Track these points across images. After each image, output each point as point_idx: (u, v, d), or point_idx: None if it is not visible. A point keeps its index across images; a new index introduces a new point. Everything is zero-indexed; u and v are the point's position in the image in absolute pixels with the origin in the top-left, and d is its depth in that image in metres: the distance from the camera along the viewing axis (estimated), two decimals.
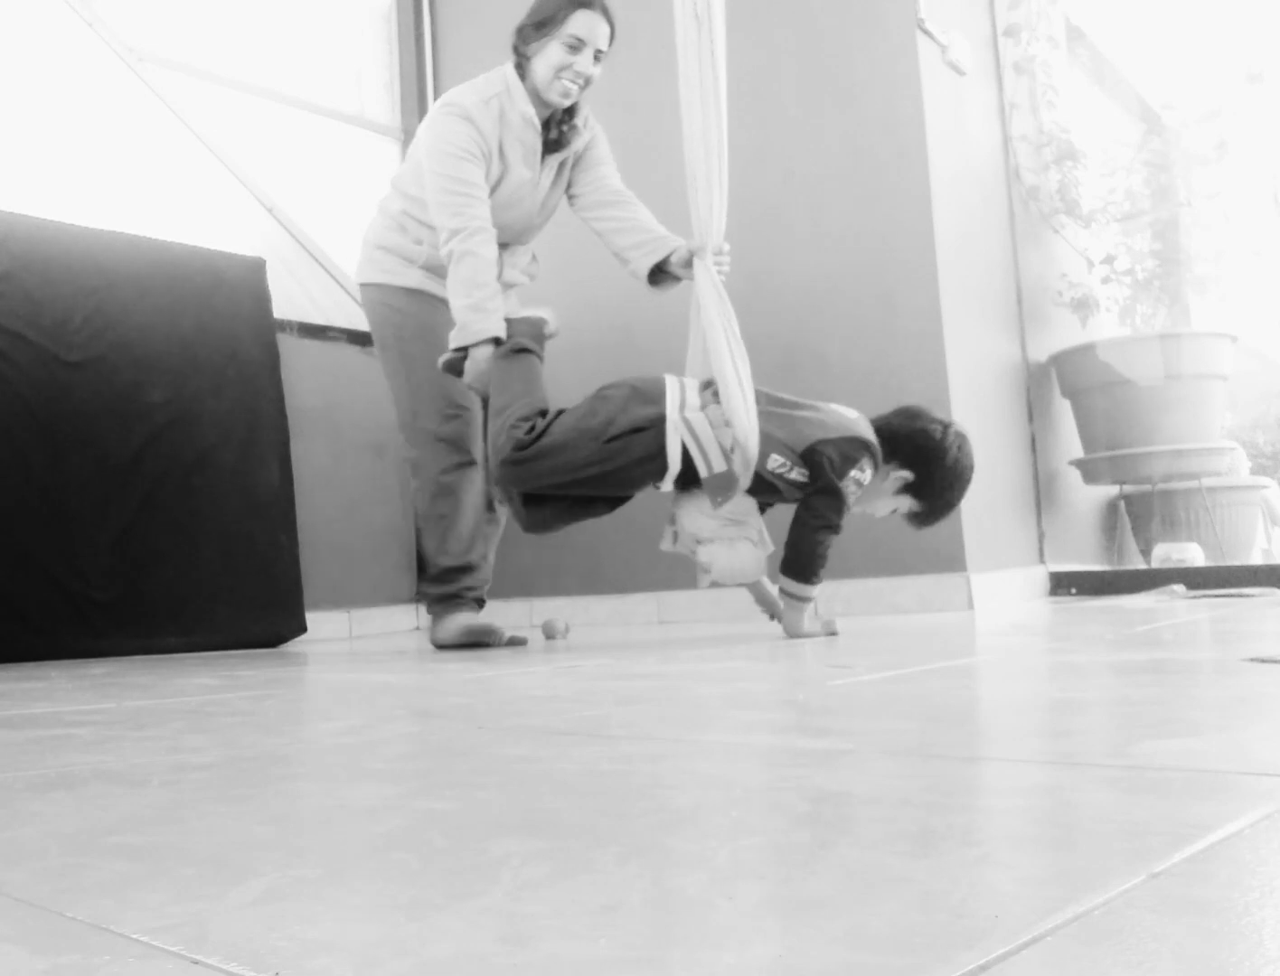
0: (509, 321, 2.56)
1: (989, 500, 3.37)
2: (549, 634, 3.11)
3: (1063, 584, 3.61)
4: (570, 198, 2.84)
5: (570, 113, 2.71)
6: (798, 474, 2.37)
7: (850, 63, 3.44)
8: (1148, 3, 5.55)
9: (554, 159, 2.73)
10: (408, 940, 0.50)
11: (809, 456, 2.36)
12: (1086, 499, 4.19)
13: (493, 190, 2.66)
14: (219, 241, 3.83)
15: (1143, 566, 3.95)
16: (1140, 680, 1.37)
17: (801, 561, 2.40)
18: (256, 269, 3.85)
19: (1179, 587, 3.25)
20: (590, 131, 2.80)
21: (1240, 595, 3.06)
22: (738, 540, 2.40)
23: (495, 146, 2.65)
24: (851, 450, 2.37)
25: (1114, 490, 4.26)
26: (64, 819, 0.83)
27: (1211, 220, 4.18)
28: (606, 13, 2.61)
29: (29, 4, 3.62)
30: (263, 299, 3.83)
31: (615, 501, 2.57)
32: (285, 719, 1.51)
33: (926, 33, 3.36)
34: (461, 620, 2.73)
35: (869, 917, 0.49)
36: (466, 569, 2.79)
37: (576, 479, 2.42)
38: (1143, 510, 4.16)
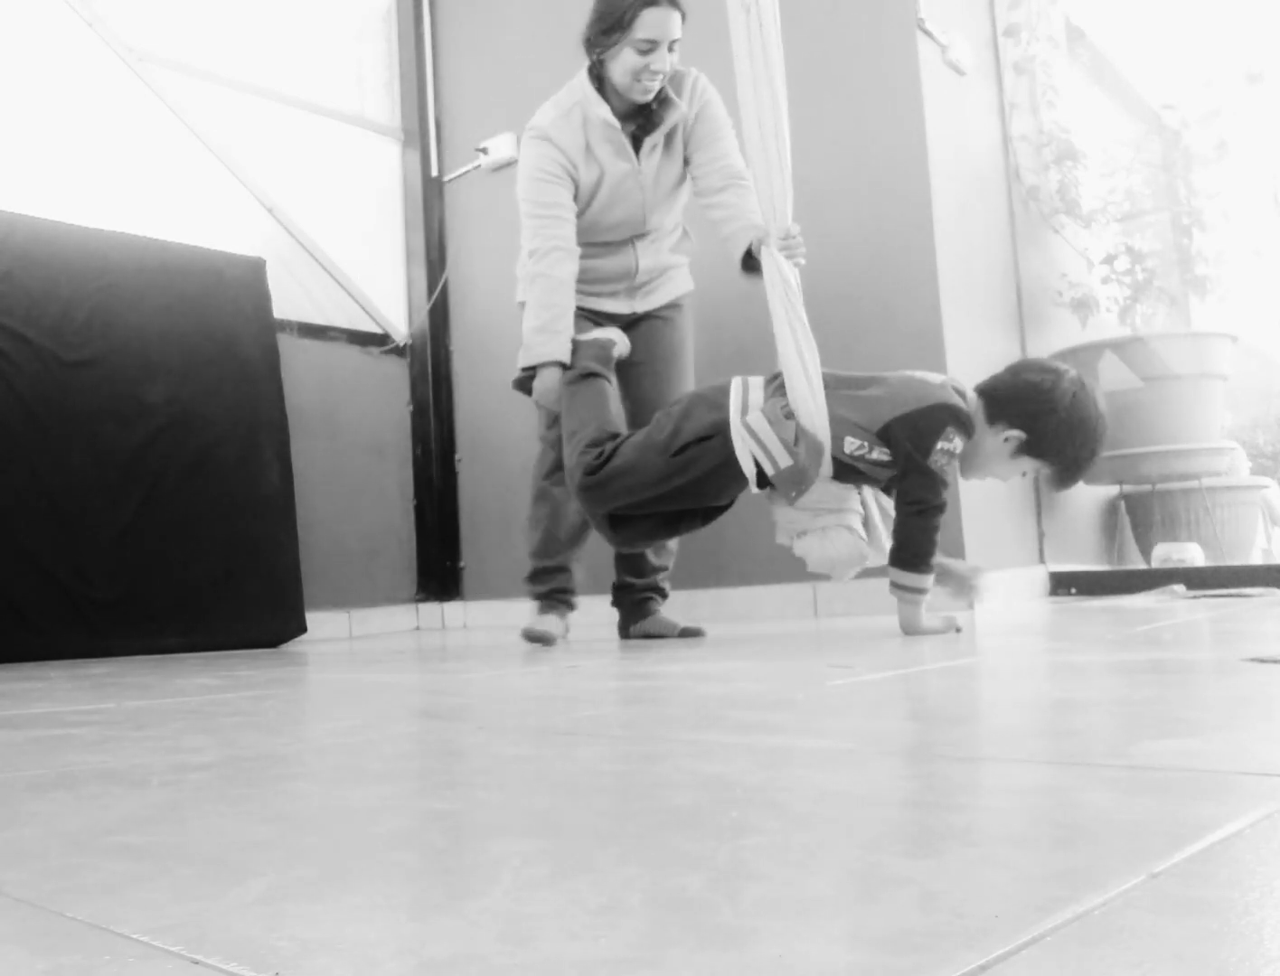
0: (577, 344, 2.58)
1: (989, 500, 3.37)
2: None
3: (1063, 584, 3.61)
4: (693, 181, 2.77)
5: (661, 89, 2.64)
6: (879, 453, 2.26)
7: (850, 63, 3.43)
8: (1148, 3, 5.55)
9: (651, 141, 2.68)
10: (408, 940, 0.50)
11: (885, 435, 2.24)
12: (1086, 499, 4.19)
13: (595, 193, 2.68)
14: (219, 241, 3.84)
15: (1143, 566, 3.95)
16: (1140, 680, 1.37)
17: (906, 550, 2.27)
18: (256, 269, 3.85)
19: (1179, 587, 3.25)
20: (697, 101, 2.70)
21: (1240, 595, 3.06)
22: (831, 529, 2.33)
23: (581, 153, 2.65)
24: (931, 421, 2.23)
25: (1114, 490, 4.26)
26: (64, 819, 0.83)
27: (1211, 220, 4.17)
28: (674, 1, 2.53)
29: (29, 4, 3.62)
30: (263, 299, 3.83)
31: (709, 513, 2.53)
32: (285, 719, 1.51)
33: (926, 33, 3.36)
34: (539, 623, 2.82)
35: (869, 917, 0.49)
36: (558, 570, 2.86)
37: (655, 496, 2.40)
38: (1143, 510, 4.16)
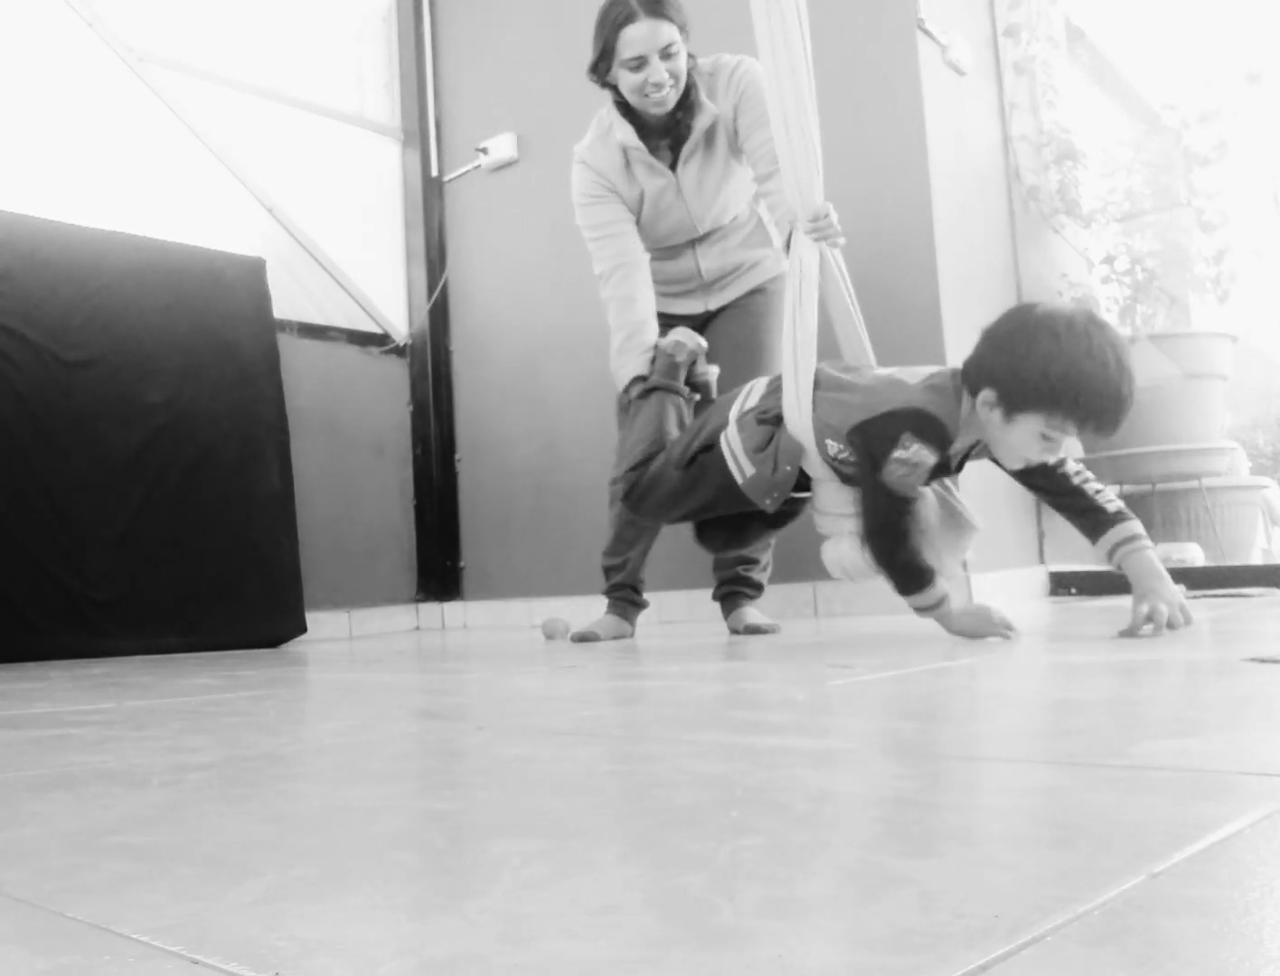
0: (655, 354, 2.60)
1: (989, 500, 3.37)
2: (549, 634, 3.11)
3: (1063, 584, 3.61)
4: (751, 167, 2.71)
5: (687, 93, 2.61)
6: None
7: (850, 63, 3.43)
8: (1148, 3, 5.54)
9: (688, 148, 2.67)
10: (408, 940, 0.50)
11: (851, 443, 2.11)
12: None
13: (640, 209, 2.71)
14: (219, 241, 3.83)
15: None
16: (1140, 680, 1.37)
17: (891, 581, 2.12)
18: (256, 269, 3.85)
19: (1179, 588, 3.24)
20: (733, 92, 2.64)
21: (1240, 595, 3.05)
22: (843, 535, 2.23)
23: (619, 173, 2.68)
24: (885, 429, 2.03)
25: (1114, 490, 4.26)
26: (64, 819, 0.83)
27: (1211, 220, 4.17)
28: (652, 9, 2.50)
29: (29, 4, 3.62)
30: (263, 299, 3.83)
31: (777, 519, 2.40)
32: (285, 719, 1.51)
33: (926, 33, 3.36)
34: (592, 623, 2.89)
35: (869, 917, 0.49)
36: (616, 569, 2.92)
37: (698, 506, 2.37)
38: (1143, 510, 4.15)
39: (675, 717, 1.26)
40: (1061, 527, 3.89)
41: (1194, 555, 3.72)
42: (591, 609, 3.08)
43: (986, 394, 1.97)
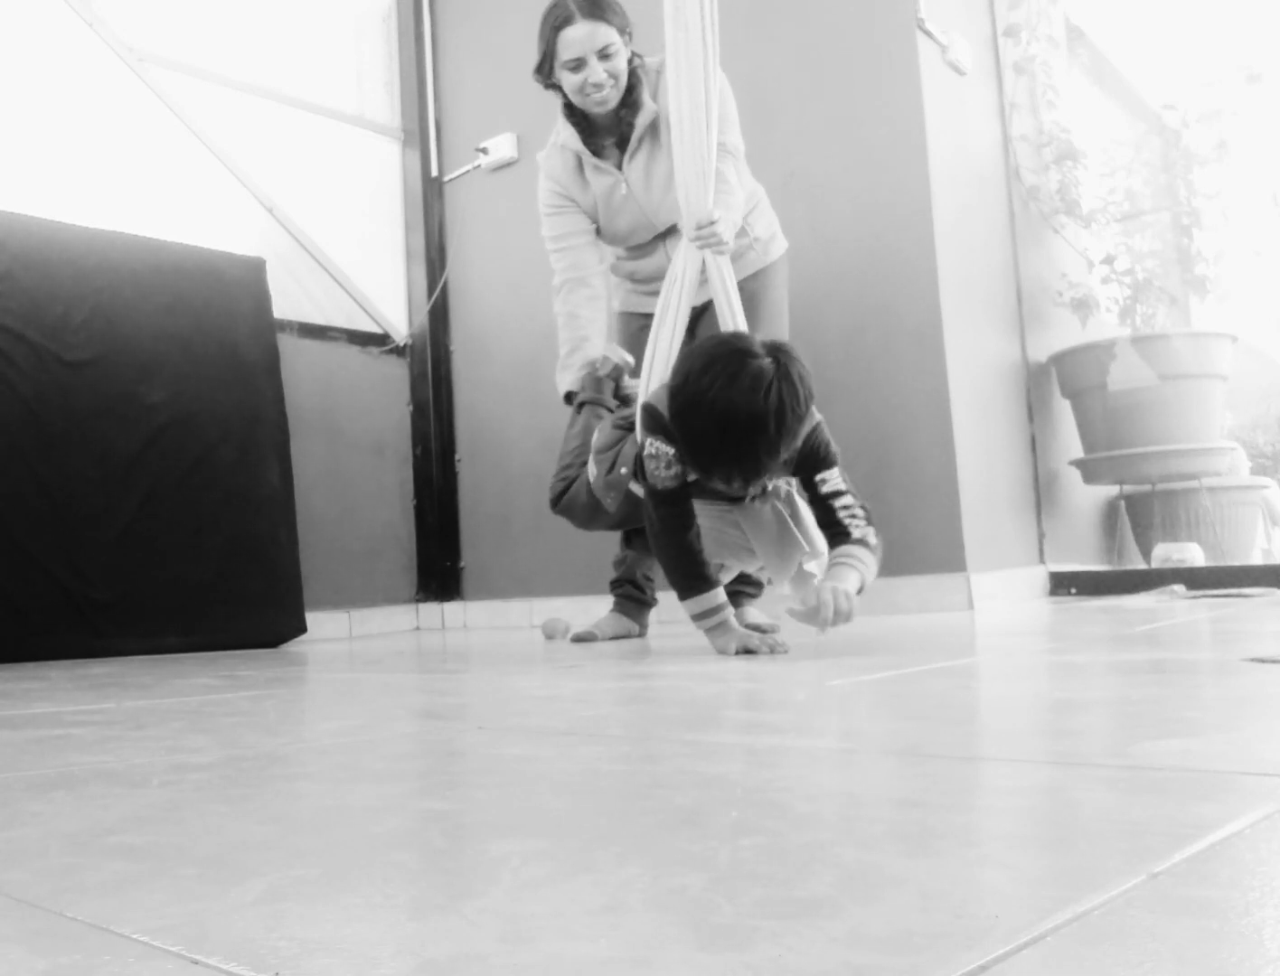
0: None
1: (989, 500, 3.37)
2: (549, 634, 3.11)
3: (1063, 584, 3.61)
4: None
5: (630, 92, 2.63)
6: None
7: (850, 63, 3.43)
8: (1148, 3, 5.55)
9: (632, 145, 2.68)
10: (408, 940, 0.50)
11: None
12: (1086, 499, 4.19)
13: (596, 210, 2.73)
14: (219, 241, 3.83)
15: (1143, 566, 3.95)
16: (1140, 680, 1.37)
17: (669, 579, 2.12)
18: (256, 269, 3.85)
19: (1179, 588, 3.25)
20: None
21: (1240, 595, 3.05)
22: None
23: (573, 177, 2.71)
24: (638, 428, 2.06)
25: (1114, 490, 4.26)
26: (64, 819, 0.83)
27: (1211, 220, 4.17)
28: (589, 12, 2.53)
29: (29, 4, 3.62)
30: (263, 299, 3.83)
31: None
32: (285, 719, 1.51)
33: (926, 33, 3.36)
34: (595, 622, 2.89)
35: (869, 917, 0.49)
36: (617, 564, 2.94)
37: (621, 517, 2.37)
38: (1143, 510, 4.16)
39: (675, 717, 1.26)
40: (1062, 528, 3.89)
41: (1194, 555, 3.72)
42: (592, 609, 3.08)
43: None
